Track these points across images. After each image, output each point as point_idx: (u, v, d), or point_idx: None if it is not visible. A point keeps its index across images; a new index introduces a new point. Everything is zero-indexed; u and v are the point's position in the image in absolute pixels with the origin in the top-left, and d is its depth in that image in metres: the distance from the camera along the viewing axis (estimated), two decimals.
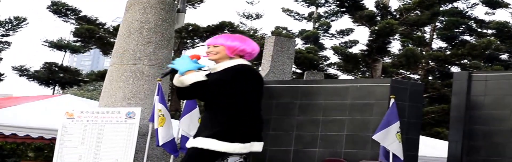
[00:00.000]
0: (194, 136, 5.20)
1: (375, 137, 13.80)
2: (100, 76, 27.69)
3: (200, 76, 4.98)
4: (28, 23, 29.72)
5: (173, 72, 5.13)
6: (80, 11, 28.93)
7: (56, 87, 31.14)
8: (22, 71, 29.93)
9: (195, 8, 30.60)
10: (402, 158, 14.05)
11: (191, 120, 13.09)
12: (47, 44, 30.61)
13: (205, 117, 5.29)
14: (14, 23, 29.22)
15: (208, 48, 5.22)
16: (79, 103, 17.30)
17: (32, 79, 30.16)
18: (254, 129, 5.11)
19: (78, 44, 30.87)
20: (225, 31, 29.67)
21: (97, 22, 29.06)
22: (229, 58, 5.19)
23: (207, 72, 5.22)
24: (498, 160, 15.42)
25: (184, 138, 12.99)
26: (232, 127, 5.02)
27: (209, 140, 5.01)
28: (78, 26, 28.62)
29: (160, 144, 12.52)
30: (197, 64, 5.11)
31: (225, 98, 5.04)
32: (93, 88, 40.23)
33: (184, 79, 4.98)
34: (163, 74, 5.38)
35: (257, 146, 5.17)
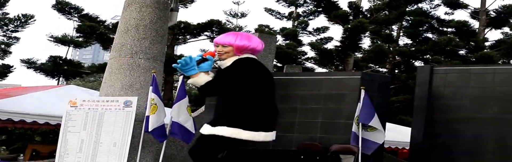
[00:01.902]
0: (213, 124, 5.06)
1: (371, 123, 13.93)
2: (100, 68, 27.67)
3: (206, 77, 4.87)
4: (35, 20, 29.65)
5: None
6: (82, 10, 28.87)
7: (61, 78, 31.05)
8: (30, 64, 29.86)
9: (187, 7, 30.59)
10: (380, 141, 14.20)
11: (180, 108, 13.15)
12: (52, 39, 30.57)
13: (223, 107, 5.12)
14: (23, 20, 29.12)
15: (217, 46, 5.11)
16: (81, 93, 17.30)
17: (38, 71, 30.10)
18: (272, 119, 4.99)
19: (80, 39, 30.82)
20: (213, 28, 29.70)
21: (98, 19, 29.01)
22: (237, 56, 5.07)
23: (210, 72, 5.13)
24: (455, 144, 15.53)
25: (175, 124, 13.04)
26: (256, 116, 4.90)
27: (234, 129, 4.89)
28: (81, 23, 28.59)
29: (149, 130, 12.56)
30: (203, 65, 5.03)
31: (243, 90, 4.90)
32: (94, 79, 40.13)
33: (193, 82, 4.92)
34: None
35: (273, 135, 5.06)
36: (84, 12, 28.91)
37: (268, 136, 5.01)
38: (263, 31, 29.13)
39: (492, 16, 31.25)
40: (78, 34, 30.15)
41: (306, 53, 32.26)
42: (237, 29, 31.96)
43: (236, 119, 4.87)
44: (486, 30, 31.52)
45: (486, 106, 15.51)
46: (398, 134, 18.80)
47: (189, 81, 5.06)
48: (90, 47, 37.54)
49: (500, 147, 14.98)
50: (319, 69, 31.80)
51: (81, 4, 30.35)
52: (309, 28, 32.98)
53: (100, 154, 12.77)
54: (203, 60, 4.87)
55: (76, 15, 28.95)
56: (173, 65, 4.98)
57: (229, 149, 4.94)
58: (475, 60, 28.40)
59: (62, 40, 30.81)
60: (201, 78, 4.93)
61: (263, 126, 4.87)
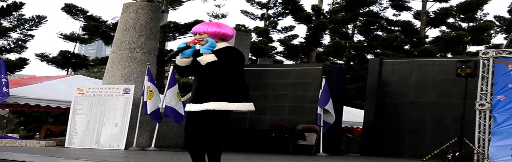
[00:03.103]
0: (200, 102, 4.90)
1: (326, 107, 14.03)
2: (103, 61, 27.55)
3: (214, 57, 4.77)
4: (47, 20, 29.38)
5: (176, 55, 4.93)
6: (87, 11, 28.71)
7: (69, 69, 30.91)
8: (43, 57, 29.68)
9: (175, 9, 30.41)
10: (332, 122, 14.33)
11: (172, 94, 13.21)
12: (62, 36, 30.44)
13: (210, 85, 4.95)
14: (36, 20, 28.90)
15: (195, 35, 4.98)
16: (87, 82, 17.23)
17: (50, 63, 29.93)
18: (248, 91, 5.01)
19: (85, 36, 30.69)
20: None
21: (100, 20, 28.85)
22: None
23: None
24: (401, 125, 15.68)
25: (168, 108, 13.09)
26: (238, 90, 4.91)
27: (223, 103, 4.83)
28: (86, 23, 28.47)
29: (148, 113, 12.62)
30: (186, 51, 4.93)
31: (230, 70, 4.90)
32: (97, 70, 39.84)
33: (204, 59, 4.76)
34: (169, 56, 4.95)
35: (252, 106, 5.02)
36: (88, 14, 28.77)
37: (250, 106, 4.95)
38: (239, 29, 29.06)
39: (432, 16, 31.38)
40: (83, 32, 30.05)
41: (276, 48, 32.29)
42: None
43: (220, 94, 4.84)
44: (426, 29, 31.66)
45: (426, 92, 15.65)
46: (353, 116, 18.92)
47: (200, 57, 4.80)
48: (94, 43, 37.28)
49: (437, 126, 15.14)
50: (287, 62, 31.81)
51: (86, 7, 30.17)
52: (278, 27, 32.96)
53: (103, 132, 12.78)
54: (186, 47, 4.84)
55: (81, 16, 28.78)
56: (178, 46, 4.87)
57: (221, 122, 4.84)
58: (417, 54, 28.57)
59: (70, 37, 30.71)
60: (212, 56, 4.78)
61: (244, 98, 4.87)
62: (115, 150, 11.88)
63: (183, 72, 5.09)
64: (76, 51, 32.03)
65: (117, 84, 13.30)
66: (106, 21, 29.22)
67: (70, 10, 28.46)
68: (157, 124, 13.08)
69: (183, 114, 13.28)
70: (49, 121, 23.81)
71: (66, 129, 13.35)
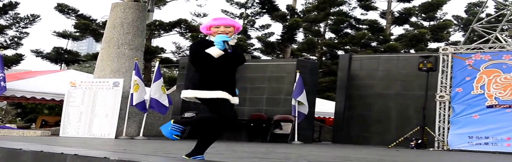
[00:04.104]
0: (234, 95, 4.61)
1: (299, 98, 14.06)
2: (94, 56, 27.35)
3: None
4: (41, 18, 29.14)
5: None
6: (78, 11, 28.49)
7: (62, 64, 30.69)
8: (38, 53, 29.44)
9: (160, 9, 30.34)
10: (306, 112, 14.37)
11: (157, 87, 13.18)
12: (55, 33, 30.22)
13: (232, 76, 4.66)
14: (31, 19, 28.64)
15: (218, 27, 4.58)
16: (79, 76, 17.10)
17: (45, 58, 29.71)
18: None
19: (77, 34, 30.47)
20: (181, 25, 29.53)
21: (91, 18, 28.64)
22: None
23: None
24: (368, 114, 15.78)
25: (153, 100, 13.06)
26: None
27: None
28: (77, 21, 28.25)
29: (134, 104, 12.61)
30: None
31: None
32: (89, 65, 39.51)
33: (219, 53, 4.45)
34: (228, 48, 4.48)
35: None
36: (79, 13, 28.55)
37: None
38: None
39: (396, 16, 31.53)
40: (75, 30, 29.82)
41: (254, 45, 32.25)
42: (200, 26, 31.80)
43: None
44: (391, 27, 31.81)
45: (391, 85, 15.76)
46: (325, 107, 18.97)
47: (216, 52, 4.43)
48: (85, 40, 36.93)
49: (401, 116, 15.26)
50: (264, 57, 31.81)
51: (77, 6, 29.86)
52: (256, 25, 32.89)
53: (95, 123, 12.70)
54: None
55: (73, 15, 28.55)
56: (222, 39, 4.44)
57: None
58: (383, 50, 28.73)
59: (63, 35, 30.50)
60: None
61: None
62: (106, 139, 11.82)
63: (209, 63, 4.53)
64: (68, 48, 31.79)
65: (107, 78, 13.22)
66: (96, 20, 29.01)
67: (62, 9, 28.23)
68: (145, 114, 13.03)
69: (167, 105, 13.29)
70: (44, 113, 23.61)
71: (60, 119, 13.26)
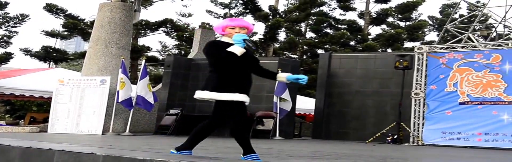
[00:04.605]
0: (249, 94, 4.50)
1: (283, 96, 14.07)
2: (82, 55, 27.19)
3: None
4: (30, 18, 28.92)
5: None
6: (67, 10, 28.26)
7: (51, 63, 30.46)
8: (27, 52, 29.18)
9: (147, 9, 30.18)
10: (289, 109, 14.38)
11: (143, 84, 13.14)
12: (44, 33, 29.95)
13: (248, 77, 4.55)
14: (20, 18, 28.41)
15: (234, 28, 4.48)
16: (67, 74, 16.99)
17: (33, 57, 29.45)
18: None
19: (65, 33, 30.24)
20: (167, 25, 29.42)
21: (79, 18, 28.43)
22: None
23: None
24: (347, 111, 15.85)
25: (139, 97, 13.01)
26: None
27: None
28: (65, 21, 28.04)
29: (119, 101, 12.57)
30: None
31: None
32: (76, 64, 39.22)
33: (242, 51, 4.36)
34: (253, 45, 4.46)
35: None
36: (68, 12, 28.32)
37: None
38: (205, 27, 28.90)
39: (374, 16, 31.69)
40: (63, 29, 29.59)
41: None
42: (186, 25, 31.68)
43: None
44: (369, 27, 31.96)
45: (369, 83, 15.85)
46: (305, 103, 19.03)
47: (239, 50, 4.30)
48: (73, 39, 36.66)
49: (378, 112, 15.36)
50: None
51: (66, 6, 29.65)
52: None
53: (83, 119, 12.63)
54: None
55: (61, 14, 28.32)
56: (242, 38, 4.34)
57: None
58: (362, 49, 28.85)
59: (51, 34, 30.25)
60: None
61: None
62: (93, 135, 11.76)
63: (232, 63, 4.39)
64: (57, 46, 31.57)
65: (95, 76, 13.14)
66: (84, 19, 28.81)
67: (51, 9, 28.00)
68: (131, 111, 12.99)
69: (152, 103, 13.26)
70: (33, 109, 23.44)
71: (49, 116, 13.16)
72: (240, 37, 4.38)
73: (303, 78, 4.62)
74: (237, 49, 4.34)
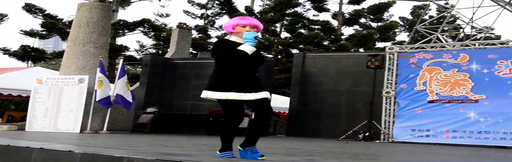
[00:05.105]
0: (256, 91, 4.33)
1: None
2: (60, 54, 26.93)
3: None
4: (8, 17, 28.61)
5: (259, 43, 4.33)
6: (45, 10, 27.98)
7: (29, 62, 30.11)
8: (5, 51, 28.82)
9: (125, 9, 29.98)
10: None
11: (122, 83, 13.07)
12: (22, 32, 29.64)
13: (255, 75, 4.44)
14: None
15: (245, 27, 4.35)
16: (45, 73, 16.80)
17: (12, 56, 29.10)
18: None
19: (44, 32, 29.90)
20: (145, 25, 29.27)
21: (57, 18, 28.14)
22: None
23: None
24: (320, 109, 15.93)
25: (118, 96, 12.94)
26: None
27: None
28: (44, 20, 27.73)
29: (97, 99, 12.49)
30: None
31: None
32: (55, 63, 38.83)
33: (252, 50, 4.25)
34: (262, 41, 4.28)
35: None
36: (46, 12, 28.03)
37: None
38: (182, 27, 28.84)
39: (347, 17, 31.89)
40: (42, 29, 29.24)
41: None
42: (163, 25, 31.56)
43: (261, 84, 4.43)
44: (342, 27, 32.16)
45: (341, 82, 15.94)
46: (280, 102, 19.08)
47: (250, 49, 4.20)
48: (52, 38, 36.25)
49: (351, 111, 15.47)
50: None
51: (44, 6, 29.43)
52: (216, 25, 32.92)
53: (61, 118, 12.51)
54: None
55: (40, 14, 28.01)
56: (255, 36, 4.22)
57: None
58: (335, 49, 29.02)
59: (30, 33, 29.94)
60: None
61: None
62: (71, 133, 11.66)
63: (242, 60, 4.27)
64: (35, 46, 31.20)
65: (73, 75, 13.03)
66: (62, 19, 28.52)
67: (30, 8, 27.70)
68: (109, 110, 12.90)
69: (131, 101, 13.20)
70: (11, 108, 23.14)
71: (27, 115, 13.01)
72: (251, 35, 4.26)
73: (253, 35, 4.27)
74: (248, 48, 4.23)
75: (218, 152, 4.40)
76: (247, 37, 4.26)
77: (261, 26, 4.48)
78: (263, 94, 4.36)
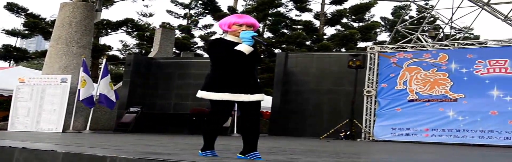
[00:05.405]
0: (252, 92, 4.24)
1: None
2: (42, 54, 26.69)
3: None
4: None
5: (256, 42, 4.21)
6: (28, 10, 27.72)
7: (12, 61, 29.83)
8: None
9: (108, 8, 29.82)
10: None
11: (105, 83, 13.02)
12: (4, 31, 29.36)
13: (253, 76, 4.28)
14: None
15: (242, 26, 4.19)
16: (27, 72, 16.68)
17: None
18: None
19: (26, 32, 29.64)
20: (128, 25, 29.12)
21: (40, 17, 27.89)
22: None
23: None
24: (303, 108, 15.98)
25: (101, 95, 12.88)
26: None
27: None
28: (26, 20, 27.50)
29: (80, 99, 12.42)
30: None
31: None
32: (37, 62, 38.50)
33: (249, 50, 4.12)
34: (259, 41, 4.16)
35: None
36: (29, 12, 27.78)
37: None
38: (165, 27, 28.74)
39: (329, 17, 32.01)
40: (24, 28, 28.99)
41: (197, 43, 32.15)
42: (147, 25, 31.45)
43: (259, 85, 4.31)
44: (324, 27, 32.27)
45: (323, 81, 16.01)
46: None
47: (247, 49, 4.07)
48: (34, 38, 35.94)
49: (333, 110, 15.53)
50: (206, 55, 31.74)
51: (27, 5, 29.10)
52: (199, 25, 32.87)
53: (43, 117, 12.43)
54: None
55: (22, 13, 27.74)
56: (252, 35, 4.08)
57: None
58: (317, 49, 29.11)
59: (12, 33, 29.66)
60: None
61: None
62: (54, 132, 11.58)
63: (238, 60, 4.14)
64: (17, 45, 30.94)
65: (55, 74, 12.94)
66: (45, 18, 28.28)
67: (12, 8, 27.42)
68: (92, 109, 12.84)
69: (115, 101, 13.14)
70: None
71: (9, 114, 12.90)
72: (248, 34, 4.12)
73: (250, 34, 4.17)
74: (245, 48, 4.10)
75: (200, 151, 4.30)
76: (244, 37, 4.13)
77: (258, 25, 4.33)
78: (258, 97, 4.28)
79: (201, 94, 4.25)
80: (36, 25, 27.14)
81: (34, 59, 34.49)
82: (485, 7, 21.03)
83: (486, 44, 13.77)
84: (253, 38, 4.13)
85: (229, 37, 4.26)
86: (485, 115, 12.51)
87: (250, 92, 4.22)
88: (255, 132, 4.26)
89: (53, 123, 12.30)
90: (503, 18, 21.38)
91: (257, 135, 4.28)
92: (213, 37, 4.40)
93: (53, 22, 21.08)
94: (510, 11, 20.85)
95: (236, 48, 4.10)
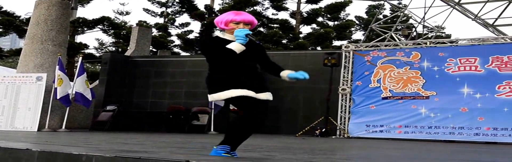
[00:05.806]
0: (264, 90, 4.11)
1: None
2: (17, 52, 26.35)
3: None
4: None
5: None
6: (2, 7, 27.32)
7: None
8: None
9: (84, 6, 29.54)
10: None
11: (81, 81, 12.91)
12: None
13: (258, 73, 4.19)
14: None
15: (238, 23, 3.99)
16: (2, 71, 16.45)
17: None
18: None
19: (0, 30, 29.17)
20: (104, 23, 28.87)
21: (14, 15, 27.51)
22: None
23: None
24: (279, 106, 15.98)
25: (77, 93, 12.77)
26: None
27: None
28: (1, 18, 27.09)
29: (58, 98, 12.28)
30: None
31: None
32: (12, 61, 37.93)
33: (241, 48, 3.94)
34: (253, 40, 3.97)
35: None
36: (3, 9, 27.38)
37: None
38: (142, 25, 28.58)
39: (305, 16, 32.11)
40: None
41: (174, 42, 32.04)
42: (123, 23, 31.21)
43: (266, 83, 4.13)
44: (300, 26, 32.37)
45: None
46: None
47: (239, 47, 3.85)
48: (9, 35, 35.41)
49: (308, 107, 15.61)
50: (183, 53, 31.65)
51: (1, 3, 28.72)
52: (176, 23, 32.72)
53: (18, 116, 12.28)
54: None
55: None
56: (246, 33, 3.88)
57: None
58: (293, 47, 29.20)
59: None
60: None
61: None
62: (29, 131, 11.46)
63: (231, 59, 3.95)
64: None
65: (31, 73, 12.79)
66: (20, 16, 27.91)
67: None
68: (68, 108, 12.72)
69: (91, 99, 13.04)
70: None
71: None
72: (242, 32, 3.90)
73: (304, 76, 4.22)
74: (237, 46, 3.88)
75: (221, 150, 3.90)
76: (238, 35, 3.91)
77: (256, 22, 4.11)
78: (268, 95, 4.12)
79: (218, 95, 3.98)
80: (11, 23, 26.77)
81: (9, 58, 33.98)
82: (456, 6, 21.31)
83: (457, 43, 13.96)
84: (246, 36, 3.94)
85: (227, 36, 4.06)
86: (455, 112, 12.70)
87: (258, 91, 4.06)
88: (252, 132, 4.08)
89: (28, 122, 12.17)
90: (473, 17, 21.70)
91: (250, 135, 4.10)
92: (214, 35, 4.20)
93: (28, 20, 20.81)
94: (480, 10, 21.17)
95: (228, 46, 3.89)
